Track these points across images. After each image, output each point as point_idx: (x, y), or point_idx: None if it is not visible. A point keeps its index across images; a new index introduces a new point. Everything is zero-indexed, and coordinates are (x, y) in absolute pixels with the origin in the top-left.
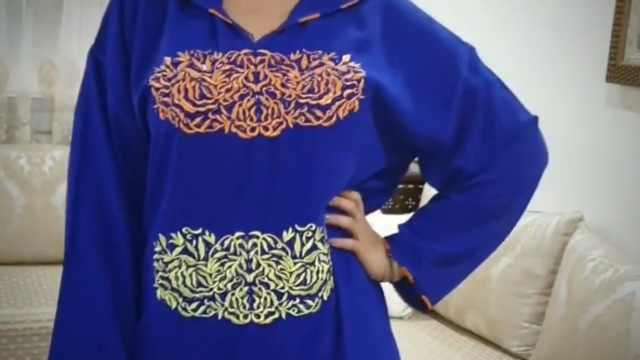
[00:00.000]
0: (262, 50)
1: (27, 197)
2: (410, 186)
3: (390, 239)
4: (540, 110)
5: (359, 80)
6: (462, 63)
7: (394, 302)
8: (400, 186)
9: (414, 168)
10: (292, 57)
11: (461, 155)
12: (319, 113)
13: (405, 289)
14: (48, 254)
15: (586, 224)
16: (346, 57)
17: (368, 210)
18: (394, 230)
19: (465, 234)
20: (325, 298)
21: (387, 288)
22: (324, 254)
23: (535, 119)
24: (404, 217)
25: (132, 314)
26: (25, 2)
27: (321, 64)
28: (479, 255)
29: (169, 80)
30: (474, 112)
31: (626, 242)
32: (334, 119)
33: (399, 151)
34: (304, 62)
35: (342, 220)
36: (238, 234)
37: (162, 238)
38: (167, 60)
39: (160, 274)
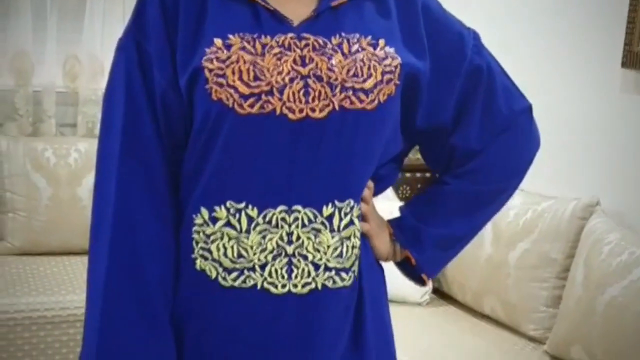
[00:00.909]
0: (305, 35)
1: (54, 188)
2: (428, 175)
3: (393, 223)
4: (556, 96)
5: (395, 67)
6: (468, 46)
7: (412, 288)
8: (418, 174)
9: None
10: (334, 41)
11: (460, 133)
12: (362, 96)
13: (406, 268)
14: (74, 244)
15: (602, 208)
16: (382, 42)
17: (374, 194)
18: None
19: (463, 217)
20: (356, 273)
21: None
22: (358, 230)
23: (529, 107)
24: None
25: (173, 288)
26: None
27: (362, 49)
28: (473, 235)
29: (223, 62)
30: (475, 92)
31: None
32: (376, 102)
33: (410, 134)
34: (345, 47)
35: (362, 206)
36: (280, 208)
37: (204, 211)
38: (218, 42)
39: (200, 245)
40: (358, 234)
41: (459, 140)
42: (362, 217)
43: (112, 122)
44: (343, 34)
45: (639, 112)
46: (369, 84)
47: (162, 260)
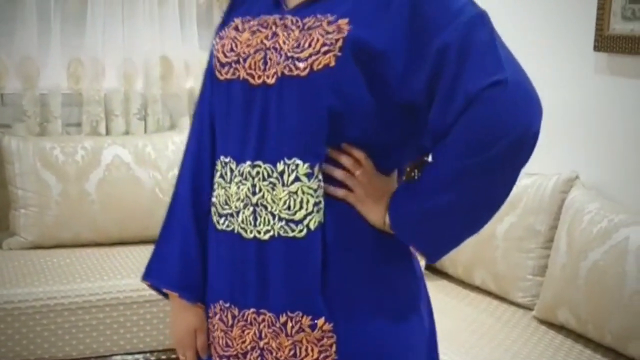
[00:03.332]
0: (286, 16)
1: (63, 184)
2: None
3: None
4: (535, 80)
5: (337, 40)
6: (452, 24)
7: None
8: None
9: None
10: (305, 20)
11: (431, 112)
12: (298, 64)
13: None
14: (84, 237)
15: (582, 181)
16: (343, 21)
17: (387, 167)
18: None
19: (443, 193)
20: (312, 228)
21: None
22: (309, 187)
23: (497, 81)
24: None
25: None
26: (53, 5)
27: (319, 25)
28: (465, 210)
29: (221, 38)
30: (441, 71)
31: (619, 195)
32: (308, 70)
33: (395, 109)
34: (308, 24)
35: (336, 173)
36: (248, 162)
37: (216, 165)
38: (231, 23)
39: (214, 193)
40: (309, 191)
41: (430, 120)
42: (342, 183)
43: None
44: (317, 14)
45: (612, 91)
46: (304, 54)
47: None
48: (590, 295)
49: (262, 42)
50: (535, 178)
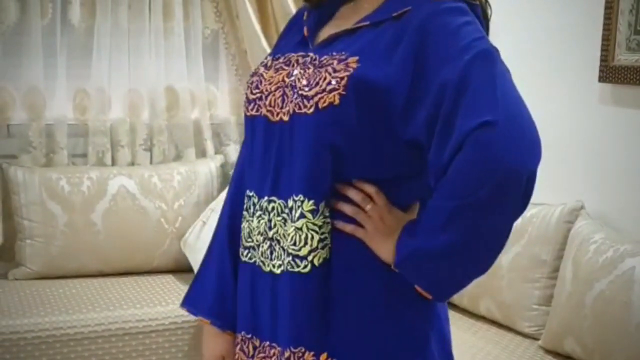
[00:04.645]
0: (309, 54)
1: (68, 215)
2: None
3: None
4: (540, 111)
5: (342, 78)
6: (456, 60)
7: None
8: None
9: None
10: (323, 57)
11: (430, 150)
12: (306, 102)
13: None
14: (90, 267)
15: (587, 211)
16: (353, 59)
17: (405, 201)
18: None
19: (440, 233)
20: (316, 264)
21: None
22: (313, 224)
23: (485, 122)
24: None
25: None
26: (59, 36)
27: (330, 64)
28: (464, 251)
29: (252, 76)
30: (439, 109)
31: (624, 225)
32: (313, 108)
33: (401, 145)
34: (323, 62)
35: (345, 208)
36: (266, 197)
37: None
38: (264, 62)
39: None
40: (314, 227)
41: (429, 158)
42: (351, 219)
43: None
44: (334, 53)
45: (616, 122)
46: (312, 92)
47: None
48: (596, 325)
49: (283, 79)
50: (540, 208)
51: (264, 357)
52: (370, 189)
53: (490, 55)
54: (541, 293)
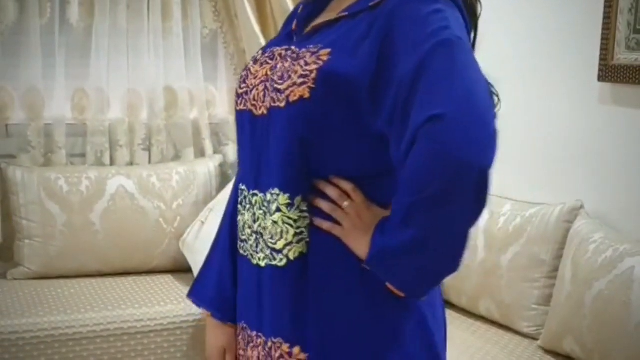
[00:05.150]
0: (292, 47)
1: (67, 215)
2: None
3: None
4: (539, 112)
5: (311, 71)
6: (417, 50)
7: None
8: None
9: None
10: (300, 51)
11: (391, 146)
12: (279, 96)
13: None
14: (88, 267)
15: (586, 211)
16: (325, 51)
17: (385, 198)
18: None
19: (406, 228)
20: (291, 258)
21: None
22: (289, 218)
23: (433, 116)
24: None
25: None
26: (58, 36)
27: (304, 57)
28: (426, 247)
29: (243, 71)
30: (397, 101)
31: (623, 225)
32: (285, 102)
33: (374, 139)
34: (300, 55)
35: (322, 205)
36: (252, 191)
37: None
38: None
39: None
40: (289, 222)
41: (391, 152)
42: (326, 215)
43: None
44: (310, 46)
45: (616, 122)
46: (284, 86)
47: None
48: (595, 325)
49: (266, 74)
50: (539, 208)
51: (253, 347)
52: (347, 185)
53: (451, 45)
54: (540, 293)
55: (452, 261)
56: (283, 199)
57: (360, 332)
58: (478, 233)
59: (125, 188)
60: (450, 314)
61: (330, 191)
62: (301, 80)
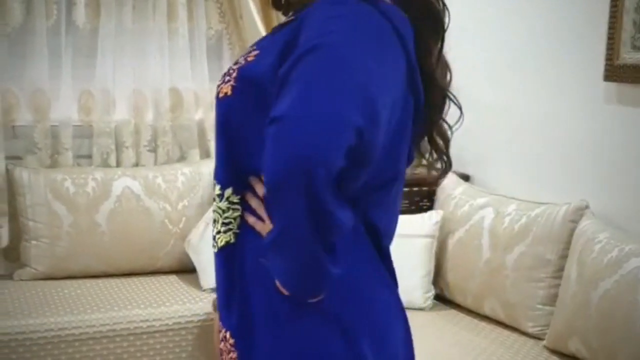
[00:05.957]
0: (254, 46)
1: (73, 215)
2: (425, 188)
3: None
4: (545, 112)
5: (234, 70)
6: (293, 55)
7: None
8: (415, 188)
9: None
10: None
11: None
12: (218, 93)
13: None
14: (94, 267)
15: (592, 211)
16: (254, 53)
17: None
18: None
19: (272, 221)
20: (219, 245)
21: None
22: (219, 207)
23: (275, 117)
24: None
25: None
26: (64, 38)
27: (241, 57)
28: (277, 243)
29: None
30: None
31: (629, 224)
32: (216, 98)
33: None
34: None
35: (252, 201)
36: (216, 184)
37: None
38: None
39: None
40: (219, 211)
41: None
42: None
43: None
44: (252, 47)
45: (621, 122)
46: (219, 82)
47: None
48: (601, 325)
49: (230, 67)
50: (545, 207)
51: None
52: None
53: (318, 51)
54: (546, 293)
55: (303, 259)
56: (217, 189)
57: (277, 328)
58: (483, 232)
59: (131, 189)
60: (455, 314)
61: (258, 188)
62: (228, 78)
